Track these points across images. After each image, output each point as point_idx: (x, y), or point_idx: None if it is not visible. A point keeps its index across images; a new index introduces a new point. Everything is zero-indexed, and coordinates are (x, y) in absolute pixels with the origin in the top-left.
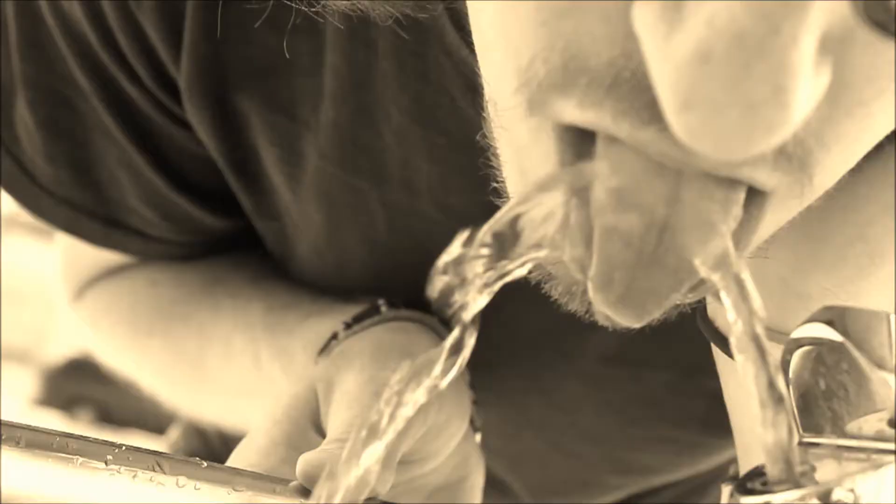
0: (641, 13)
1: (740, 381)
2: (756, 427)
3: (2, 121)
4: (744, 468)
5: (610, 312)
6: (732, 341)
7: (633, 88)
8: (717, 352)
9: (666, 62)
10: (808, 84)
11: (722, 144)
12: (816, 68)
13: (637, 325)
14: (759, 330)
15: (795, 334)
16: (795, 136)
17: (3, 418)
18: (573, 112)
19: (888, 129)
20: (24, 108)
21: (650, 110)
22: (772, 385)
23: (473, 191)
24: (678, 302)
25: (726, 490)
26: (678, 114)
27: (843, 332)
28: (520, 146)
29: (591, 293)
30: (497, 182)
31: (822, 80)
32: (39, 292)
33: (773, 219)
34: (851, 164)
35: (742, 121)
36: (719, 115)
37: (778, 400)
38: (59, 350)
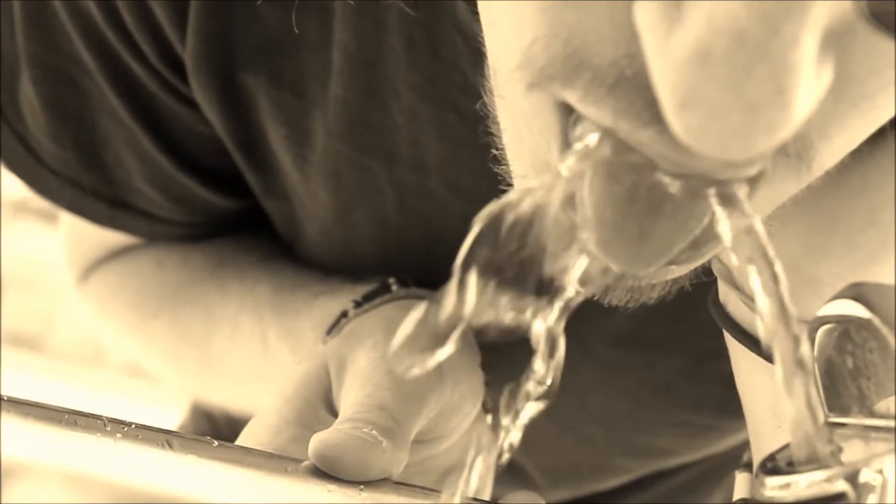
0: (642, 11)
1: (769, 361)
2: (780, 406)
3: (7, 100)
4: (756, 454)
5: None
6: (760, 312)
7: (634, 88)
8: (728, 337)
9: (665, 61)
10: (809, 84)
11: (722, 145)
12: (818, 67)
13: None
14: (786, 304)
15: (822, 312)
16: (796, 133)
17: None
18: (574, 103)
19: (889, 116)
20: (29, 87)
21: (650, 111)
22: (798, 363)
23: (483, 170)
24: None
25: (740, 477)
26: (677, 113)
27: (871, 310)
28: (519, 115)
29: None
30: (497, 150)
31: (824, 78)
32: (47, 278)
33: (769, 197)
34: (852, 147)
35: (742, 122)
36: (719, 116)
37: (803, 379)
38: (68, 336)
